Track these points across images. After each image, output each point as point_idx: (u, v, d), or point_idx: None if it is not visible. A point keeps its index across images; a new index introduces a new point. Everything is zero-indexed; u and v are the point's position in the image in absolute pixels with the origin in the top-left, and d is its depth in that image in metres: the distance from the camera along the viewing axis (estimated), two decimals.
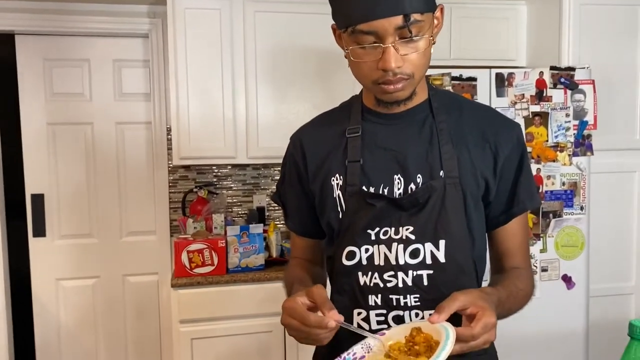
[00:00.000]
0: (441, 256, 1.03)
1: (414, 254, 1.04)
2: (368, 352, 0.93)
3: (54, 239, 3.09)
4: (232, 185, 3.15)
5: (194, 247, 2.50)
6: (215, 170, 3.14)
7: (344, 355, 0.94)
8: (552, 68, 2.48)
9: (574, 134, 2.49)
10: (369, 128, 1.11)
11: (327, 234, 1.15)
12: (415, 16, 0.93)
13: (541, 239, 2.49)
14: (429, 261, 1.03)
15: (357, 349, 0.94)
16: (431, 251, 1.03)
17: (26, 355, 3.16)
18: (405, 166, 1.06)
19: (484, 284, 1.12)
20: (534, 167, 2.45)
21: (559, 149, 2.48)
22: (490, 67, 2.48)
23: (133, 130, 3.13)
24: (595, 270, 2.64)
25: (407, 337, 0.91)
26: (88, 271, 3.12)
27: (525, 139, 1.13)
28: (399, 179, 1.06)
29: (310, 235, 1.23)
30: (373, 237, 1.05)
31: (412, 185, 1.06)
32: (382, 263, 1.05)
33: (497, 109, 1.17)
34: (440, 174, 1.04)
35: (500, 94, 2.43)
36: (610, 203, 2.77)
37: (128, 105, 3.12)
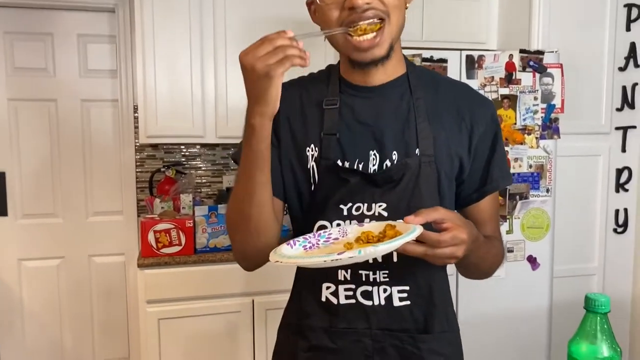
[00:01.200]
0: None
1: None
2: (343, 237, 0.95)
3: (16, 218, 3.00)
4: (201, 165, 3.11)
5: (161, 227, 2.47)
6: (184, 150, 3.09)
7: (321, 232, 0.96)
8: (521, 51, 2.49)
9: (541, 117, 2.52)
10: (347, 101, 1.08)
11: (296, 203, 1.11)
12: None
13: (507, 220, 2.53)
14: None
15: (334, 231, 0.97)
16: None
17: None
18: (382, 142, 1.05)
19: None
20: None
21: (526, 131, 2.51)
22: (461, 49, 2.48)
23: (99, 108, 3.05)
24: (559, 251, 2.70)
25: (381, 231, 0.93)
26: (52, 251, 3.06)
27: (497, 116, 1.14)
28: (374, 154, 1.05)
29: (276, 194, 1.12)
30: (345, 213, 1.04)
31: (388, 162, 1.04)
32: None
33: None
34: (416, 152, 1.03)
35: (470, 75, 2.44)
36: (575, 186, 2.82)
37: (94, 82, 3.04)
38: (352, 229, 0.96)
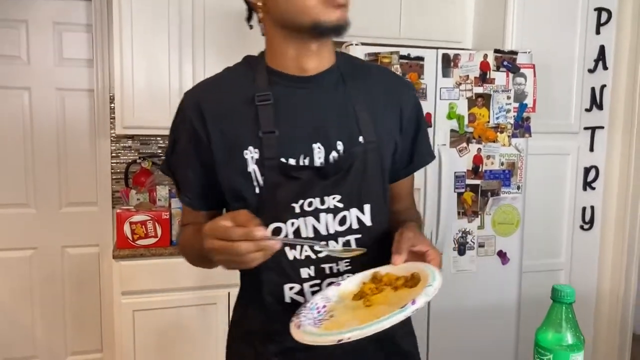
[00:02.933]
0: (367, 220, 1.07)
1: (342, 221, 1.05)
2: (328, 302, 0.94)
3: None
4: None
5: (137, 218, 2.46)
6: (160, 141, 3.08)
7: (308, 305, 0.94)
8: (496, 51, 2.55)
9: (514, 116, 2.59)
10: (281, 93, 1.03)
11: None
12: None
13: (479, 216, 2.59)
14: (355, 226, 1.06)
15: (317, 299, 0.96)
16: (357, 216, 1.06)
17: None
18: (325, 134, 1.03)
19: None
20: (474, 147, 2.54)
21: (499, 130, 2.57)
22: (437, 48, 2.53)
23: (74, 97, 3.01)
24: (528, 247, 2.78)
25: (368, 282, 0.95)
26: (25, 242, 3.02)
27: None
28: (319, 147, 1.03)
29: (211, 207, 1.13)
30: (298, 210, 1.02)
31: (334, 153, 1.04)
32: (311, 234, 1.04)
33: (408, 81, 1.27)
34: (360, 140, 1.05)
35: (445, 74, 2.49)
36: (544, 183, 2.90)
37: (69, 71, 3.00)
38: (333, 293, 0.97)
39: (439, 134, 2.50)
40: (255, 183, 1.03)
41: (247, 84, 1.05)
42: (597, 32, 2.91)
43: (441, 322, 2.59)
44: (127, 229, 2.46)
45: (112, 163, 3.02)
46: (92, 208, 3.07)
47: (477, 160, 2.56)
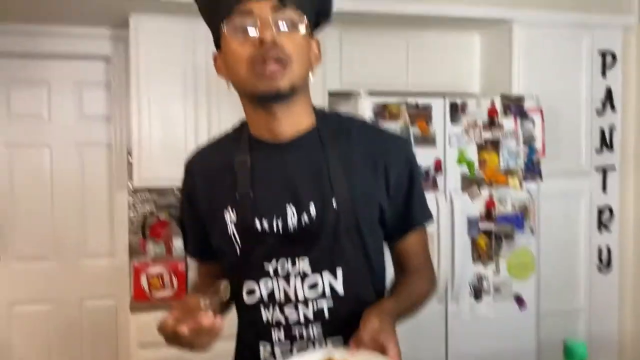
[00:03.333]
0: (339, 287, 1.05)
1: (313, 286, 1.05)
2: None
3: (8, 261, 3.02)
4: None
5: (153, 270, 2.50)
6: (176, 193, 3.14)
7: None
8: (502, 97, 2.60)
9: (524, 160, 2.61)
10: (257, 158, 1.08)
11: (225, 267, 1.13)
12: (291, 4, 0.98)
13: (494, 260, 2.58)
14: (328, 292, 1.05)
15: None
16: (330, 282, 1.05)
17: None
18: (297, 194, 1.05)
19: None
20: (486, 192, 2.56)
21: (510, 174, 2.59)
22: (445, 95, 2.59)
23: (93, 152, 3.11)
24: (545, 290, 2.75)
25: None
26: (44, 294, 3.06)
27: (413, 154, 1.16)
28: (291, 208, 1.05)
29: (212, 258, 1.18)
30: (271, 271, 1.05)
31: (305, 216, 1.04)
32: (282, 298, 1.06)
33: (386, 129, 1.20)
34: (332, 203, 1.04)
35: (454, 121, 2.54)
36: (558, 225, 2.90)
37: (89, 126, 3.10)
38: None
39: (450, 180, 2.53)
40: (234, 244, 1.08)
41: (233, 149, 1.11)
42: (603, 74, 2.96)
43: None
44: (143, 281, 2.49)
45: (129, 215, 3.08)
46: (109, 260, 3.12)
47: (490, 204, 2.57)
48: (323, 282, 1.04)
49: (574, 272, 2.95)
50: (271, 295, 1.06)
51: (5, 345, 3.01)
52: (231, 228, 1.07)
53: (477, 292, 2.58)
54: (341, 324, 1.04)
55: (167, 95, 2.75)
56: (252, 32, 0.97)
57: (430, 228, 2.45)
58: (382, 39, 3.01)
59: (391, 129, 2.39)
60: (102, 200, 3.12)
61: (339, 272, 1.05)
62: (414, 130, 2.47)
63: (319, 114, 1.11)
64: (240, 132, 1.13)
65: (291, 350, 1.07)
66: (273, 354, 1.08)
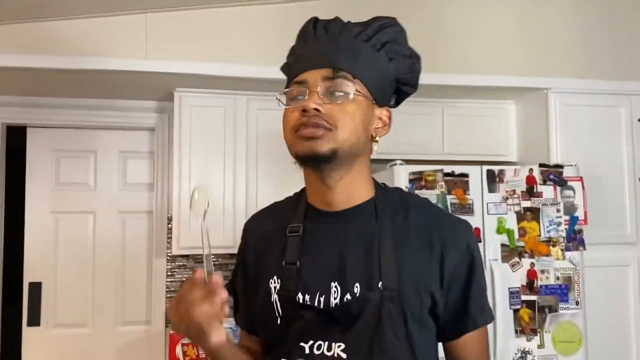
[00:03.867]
0: None
1: None
2: None
3: (48, 328, 3.06)
4: (227, 274, 3.16)
5: (188, 340, 2.48)
6: (214, 260, 3.16)
7: None
8: (541, 165, 2.58)
9: (565, 229, 2.55)
10: (310, 227, 1.04)
11: (263, 339, 1.08)
12: (344, 73, 0.97)
13: (538, 334, 2.48)
14: None
15: None
16: None
17: None
18: (343, 273, 0.98)
19: None
20: (527, 261, 2.49)
21: (551, 243, 2.53)
22: (481, 163, 2.58)
23: (135, 219, 3.19)
24: None
25: None
26: None
27: (475, 242, 1.04)
28: (336, 287, 0.98)
29: (256, 332, 1.12)
30: (307, 351, 0.97)
31: (348, 296, 0.97)
32: None
33: (448, 211, 1.17)
34: (379, 285, 0.96)
35: (492, 189, 2.52)
36: (606, 297, 2.78)
37: (131, 194, 3.20)
38: None
39: (490, 249, 2.48)
40: (276, 314, 1.02)
41: (288, 215, 1.08)
42: None
43: None
44: (179, 350, 2.48)
45: (167, 281, 3.11)
46: (146, 327, 3.12)
47: (532, 275, 2.50)
48: None
49: (626, 346, 2.79)
50: None
51: None
52: (274, 297, 1.02)
53: None
54: None
55: (208, 164, 2.83)
56: (301, 100, 0.98)
57: None
58: (418, 106, 3.05)
59: (427, 196, 2.41)
60: (141, 267, 3.17)
61: None
62: (450, 199, 2.46)
63: (379, 187, 1.06)
64: (299, 198, 1.11)
65: None
66: None
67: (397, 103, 1.12)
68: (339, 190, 1.01)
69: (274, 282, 1.03)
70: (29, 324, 3.03)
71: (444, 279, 0.99)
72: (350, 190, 1.01)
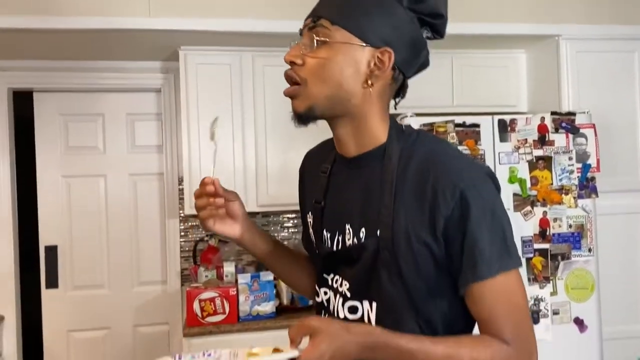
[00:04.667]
0: (373, 318, 0.98)
1: (353, 310, 1.00)
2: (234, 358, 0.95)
3: (66, 290, 3.11)
4: None
5: (205, 295, 2.52)
6: None
7: (211, 352, 0.95)
8: (553, 113, 2.55)
9: (577, 176, 2.54)
10: (336, 170, 1.08)
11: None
12: (323, 21, 0.95)
13: (551, 281, 2.50)
14: (366, 319, 0.99)
15: (224, 352, 0.96)
16: (368, 310, 0.99)
17: None
18: (354, 217, 1.01)
19: None
20: (539, 210, 2.49)
21: (564, 191, 2.52)
22: (492, 114, 2.55)
23: (145, 182, 3.20)
24: (607, 312, 2.63)
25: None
26: (99, 322, 3.13)
27: (477, 189, 0.93)
28: (349, 228, 1.02)
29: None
30: (330, 282, 1.06)
31: (355, 240, 1.01)
32: (332, 311, 1.05)
33: (458, 156, 1.01)
34: (377, 233, 0.96)
35: (503, 139, 2.50)
36: (618, 244, 2.78)
37: (141, 157, 3.20)
38: (241, 353, 0.95)
39: (502, 199, 2.47)
40: (314, 245, 1.13)
41: (327, 156, 1.13)
42: None
43: None
44: (196, 306, 2.52)
45: (180, 242, 3.14)
46: (162, 287, 3.17)
47: (544, 223, 2.50)
48: (363, 309, 0.99)
49: (637, 291, 2.81)
50: (328, 301, 1.07)
51: None
52: (311, 230, 1.14)
53: (535, 315, 2.49)
54: None
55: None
56: None
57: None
58: None
59: None
60: (154, 229, 3.20)
61: (374, 305, 0.97)
62: (462, 150, 2.44)
63: (394, 131, 1.01)
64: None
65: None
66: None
67: (437, 32, 1.04)
68: (347, 139, 1.02)
69: (309, 217, 1.14)
70: (47, 287, 3.09)
71: (437, 230, 0.92)
72: (359, 137, 1.01)
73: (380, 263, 0.95)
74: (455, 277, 0.94)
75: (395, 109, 1.06)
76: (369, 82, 0.97)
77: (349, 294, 1.00)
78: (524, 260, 2.48)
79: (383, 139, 1.01)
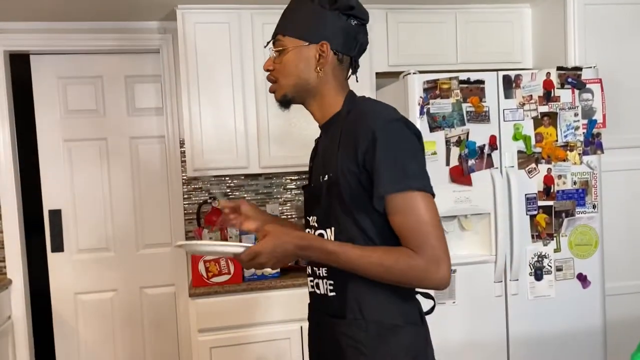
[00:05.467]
0: (332, 239, 1.28)
1: (321, 237, 1.29)
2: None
3: (72, 253, 3.14)
4: (245, 195, 3.19)
5: (210, 256, 2.54)
6: (228, 181, 3.18)
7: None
8: (559, 68, 2.50)
9: (583, 133, 2.51)
10: (320, 138, 1.43)
11: None
12: (279, 36, 1.32)
13: (554, 238, 2.50)
14: None
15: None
16: (329, 235, 1.29)
17: None
18: (324, 168, 1.31)
19: None
20: (544, 167, 2.47)
21: (568, 148, 2.50)
22: (497, 70, 2.51)
23: (147, 145, 3.18)
24: (610, 268, 2.64)
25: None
26: (106, 284, 3.17)
27: (387, 128, 1.19)
28: (320, 177, 1.32)
29: None
30: (311, 222, 1.36)
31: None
32: None
33: (379, 107, 1.27)
34: (329, 175, 1.28)
35: (508, 95, 2.46)
36: (622, 201, 2.77)
37: (141, 120, 3.18)
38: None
39: (506, 156, 2.45)
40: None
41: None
42: None
43: (522, 351, 2.49)
44: (201, 267, 2.53)
45: (184, 204, 3.15)
46: (166, 249, 3.19)
47: (548, 180, 2.48)
48: (327, 235, 1.29)
49: None
50: None
51: (73, 332, 3.14)
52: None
53: (538, 272, 2.50)
54: (332, 268, 1.25)
55: (217, 85, 2.78)
56: None
57: (488, 206, 2.40)
58: (429, 14, 2.95)
59: (442, 105, 2.36)
60: (157, 192, 3.19)
61: (332, 229, 1.27)
62: (466, 107, 2.41)
63: (348, 101, 1.33)
64: None
65: (313, 283, 1.37)
66: (309, 284, 1.41)
67: (360, 18, 1.32)
68: (314, 111, 1.37)
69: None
70: (53, 250, 3.11)
71: (359, 162, 1.21)
72: (322, 110, 1.36)
73: (333, 196, 1.26)
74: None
75: (357, 81, 1.37)
76: (318, 68, 1.30)
77: (316, 225, 1.33)
78: (528, 218, 2.47)
79: (339, 108, 1.33)
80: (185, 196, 3.15)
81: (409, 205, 1.16)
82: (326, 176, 1.28)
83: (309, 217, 1.37)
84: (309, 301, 1.44)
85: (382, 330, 1.23)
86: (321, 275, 1.33)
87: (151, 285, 3.20)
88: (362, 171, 1.20)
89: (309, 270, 1.39)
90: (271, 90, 1.37)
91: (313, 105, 1.36)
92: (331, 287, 1.30)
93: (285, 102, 1.35)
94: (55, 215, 3.11)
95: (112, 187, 3.16)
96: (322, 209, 1.30)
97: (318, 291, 1.35)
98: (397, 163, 1.17)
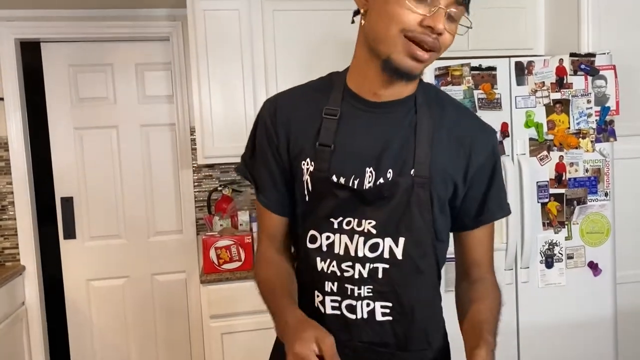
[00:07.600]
0: (399, 253, 1.05)
1: (374, 247, 1.05)
2: None
3: (84, 240, 3.16)
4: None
5: (221, 243, 2.55)
6: (235, 167, 3.18)
7: None
8: (572, 55, 2.47)
9: (596, 120, 2.48)
10: (348, 112, 1.07)
11: (293, 217, 1.14)
12: (463, 6, 0.98)
13: (566, 226, 2.49)
14: (386, 255, 1.05)
15: None
16: (390, 246, 1.05)
17: (61, 356, 3.24)
18: (379, 160, 1.04)
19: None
20: (556, 155, 2.45)
21: (581, 135, 2.48)
22: (509, 57, 2.48)
23: (157, 132, 3.19)
24: (622, 256, 2.63)
25: None
26: (117, 271, 3.20)
27: (498, 147, 1.18)
28: (370, 172, 1.04)
29: (285, 213, 1.15)
30: (336, 226, 1.06)
31: (381, 180, 1.04)
32: (341, 252, 1.06)
33: (473, 112, 1.22)
34: (411, 172, 1.03)
35: (520, 82, 2.44)
36: (635, 188, 2.75)
37: (152, 107, 3.19)
38: None
39: (518, 144, 2.44)
40: (305, 192, 1.08)
41: (322, 98, 1.09)
42: None
43: (532, 339, 2.49)
44: (212, 254, 2.55)
45: (194, 192, 3.16)
46: (177, 236, 3.22)
47: (560, 168, 2.47)
48: (384, 246, 1.04)
49: None
50: (330, 246, 1.07)
51: (85, 318, 3.18)
52: (306, 177, 1.07)
53: (549, 260, 2.49)
54: (390, 287, 1.05)
55: (227, 72, 2.78)
56: (426, 10, 0.94)
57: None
58: None
59: (454, 92, 2.34)
60: (167, 179, 3.21)
61: (401, 240, 1.04)
62: (478, 94, 2.39)
63: (421, 82, 1.11)
64: (330, 83, 1.12)
65: (340, 305, 1.07)
66: (323, 304, 1.08)
67: None
68: (398, 87, 1.04)
69: (307, 164, 1.07)
70: (65, 237, 3.15)
71: (468, 175, 1.09)
72: (403, 87, 1.05)
73: (414, 199, 1.03)
74: (468, 215, 1.13)
75: None
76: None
77: (374, 231, 1.04)
78: (539, 206, 2.46)
79: (414, 89, 1.08)
80: (196, 184, 3.16)
81: (492, 232, 1.18)
82: (400, 174, 1.03)
83: (338, 220, 1.06)
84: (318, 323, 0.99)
85: (448, 357, 1.18)
86: (361, 295, 1.06)
87: (162, 272, 3.23)
88: (465, 182, 1.09)
89: (327, 286, 1.07)
90: (422, 60, 0.96)
91: (409, 85, 1.06)
92: (386, 310, 1.06)
93: (415, 77, 1.03)
94: (67, 202, 3.14)
95: (123, 174, 3.18)
96: (388, 212, 1.04)
97: (351, 315, 1.06)
98: (503, 186, 1.16)
